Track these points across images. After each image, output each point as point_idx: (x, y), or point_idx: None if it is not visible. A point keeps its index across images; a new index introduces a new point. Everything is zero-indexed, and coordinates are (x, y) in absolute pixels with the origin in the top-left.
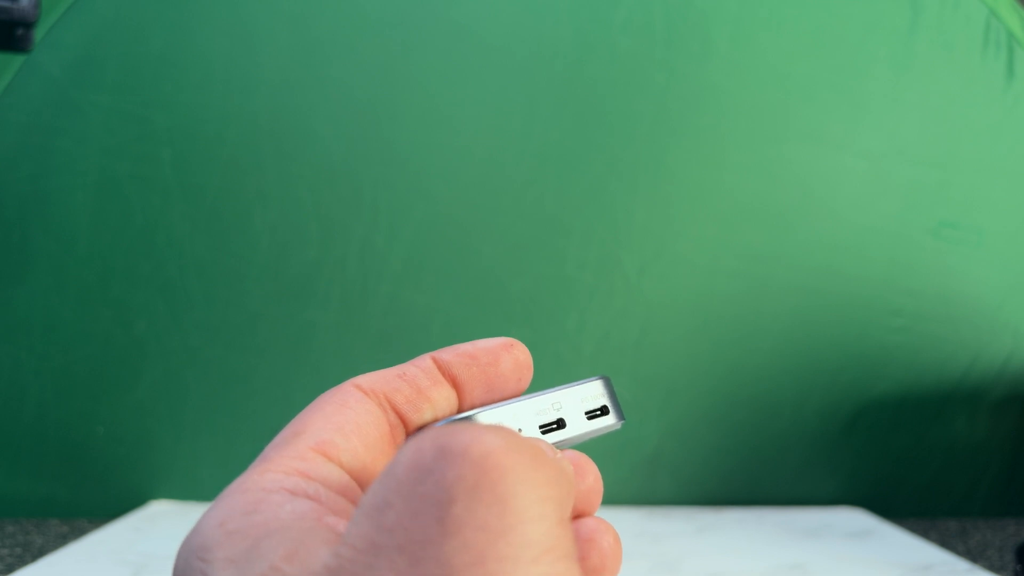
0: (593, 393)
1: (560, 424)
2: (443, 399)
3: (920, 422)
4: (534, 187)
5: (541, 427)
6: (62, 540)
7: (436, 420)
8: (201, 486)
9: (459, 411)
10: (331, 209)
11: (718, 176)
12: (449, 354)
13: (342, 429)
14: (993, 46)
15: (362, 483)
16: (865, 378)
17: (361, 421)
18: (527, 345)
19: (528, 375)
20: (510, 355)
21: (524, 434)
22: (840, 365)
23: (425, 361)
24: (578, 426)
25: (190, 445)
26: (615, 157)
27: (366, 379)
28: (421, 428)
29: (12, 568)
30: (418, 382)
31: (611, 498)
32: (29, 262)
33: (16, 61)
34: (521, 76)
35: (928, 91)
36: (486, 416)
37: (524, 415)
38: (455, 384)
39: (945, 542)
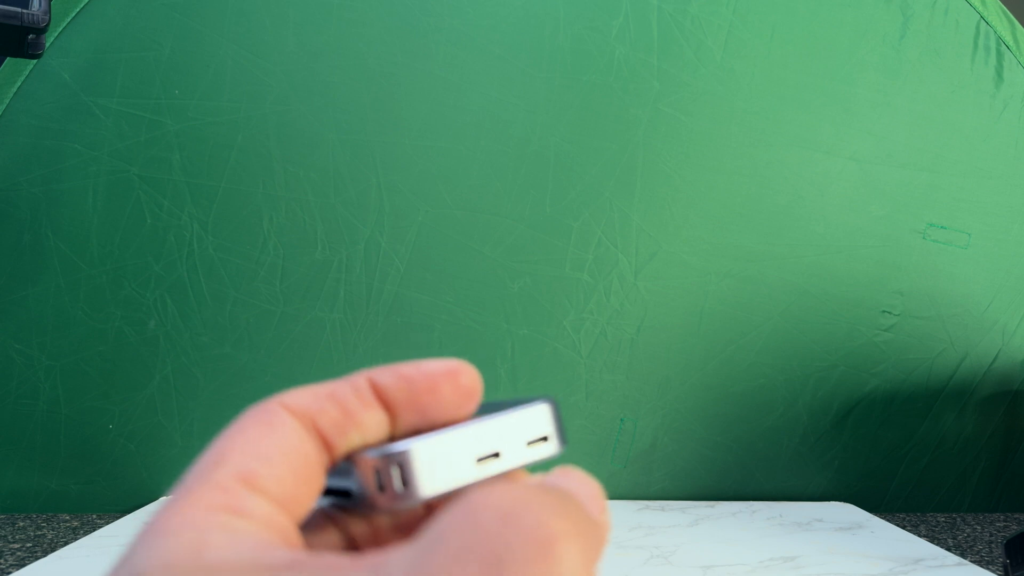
0: (537, 420)
1: (498, 455)
2: (373, 423)
3: (909, 419)
4: (533, 190)
5: (478, 459)
6: (73, 535)
7: (364, 446)
8: None
9: (391, 435)
10: (337, 211)
11: (712, 179)
12: (387, 375)
13: (268, 457)
14: (983, 51)
15: (288, 512)
16: (855, 376)
17: (287, 447)
18: (526, 343)
19: (472, 402)
20: (451, 382)
21: (460, 469)
22: (831, 363)
23: (360, 380)
24: (517, 457)
25: (200, 442)
26: (612, 161)
27: (293, 397)
28: (349, 455)
29: (24, 562)
30: (348, 404)
31: (607, 492)
32: (41, 262)
33: (27, 66)
34: (521, 83)
35: (918, 95)
36: (421, 447)
37: (461, 446)
38: (388, 407)
39: (935, 536)
